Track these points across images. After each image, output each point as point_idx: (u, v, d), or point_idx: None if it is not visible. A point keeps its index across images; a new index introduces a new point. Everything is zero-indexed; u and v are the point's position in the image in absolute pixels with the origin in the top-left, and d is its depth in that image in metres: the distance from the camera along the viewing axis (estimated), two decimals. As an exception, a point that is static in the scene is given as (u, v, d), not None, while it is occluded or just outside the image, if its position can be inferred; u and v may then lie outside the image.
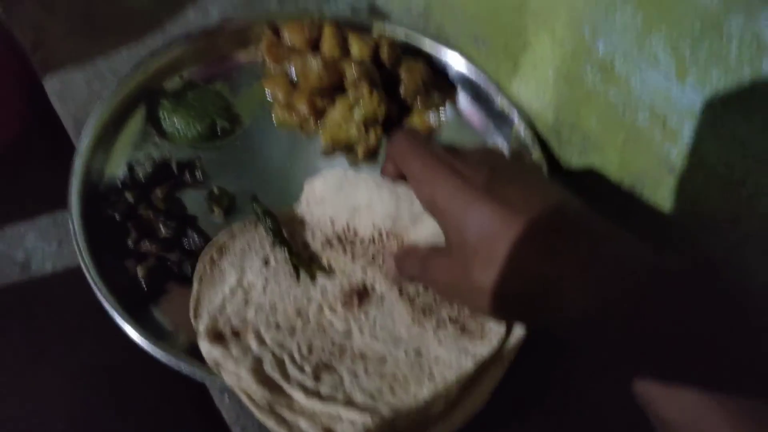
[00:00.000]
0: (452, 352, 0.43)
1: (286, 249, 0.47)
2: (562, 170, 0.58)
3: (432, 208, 0.40)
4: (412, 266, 0.43)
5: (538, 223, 0.35)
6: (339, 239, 0.49)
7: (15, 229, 0.84)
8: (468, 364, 0.42)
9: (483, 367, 0.43)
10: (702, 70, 0.42)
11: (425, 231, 0.48)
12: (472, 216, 0.36)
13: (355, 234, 0.49)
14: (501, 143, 0.60)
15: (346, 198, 0.50)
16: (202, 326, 0.43)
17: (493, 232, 0.36)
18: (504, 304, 0.37)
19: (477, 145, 0.43)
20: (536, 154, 0.57)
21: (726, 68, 0.41)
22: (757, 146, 0.41)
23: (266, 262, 0.47)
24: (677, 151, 0.47)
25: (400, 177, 0.45)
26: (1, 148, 0.82)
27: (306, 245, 0.49)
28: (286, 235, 0.48)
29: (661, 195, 0.49)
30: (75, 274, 0.82)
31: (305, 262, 0.47)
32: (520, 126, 0.58)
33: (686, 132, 0.45)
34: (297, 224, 0.50)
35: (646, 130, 0.48)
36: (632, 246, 0.37)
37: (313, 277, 0.47)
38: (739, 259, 0.45)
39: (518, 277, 0.36)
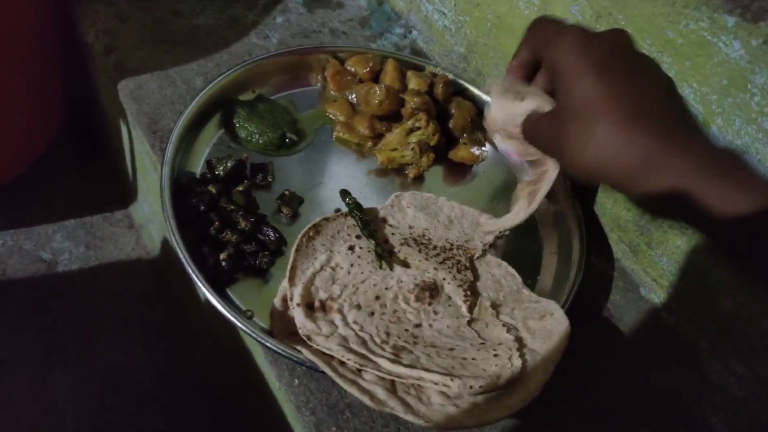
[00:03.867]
0: (511, 340, 0.49)
1: (371, 239, 0.52)
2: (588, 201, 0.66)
3: (552, 68, 0.45)
4: (529, 126, 0.48)
5: (635, 104, 0.41)
6: (415, 241, 0.55)
7: (43, 228, 0.85)
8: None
9: (534, 360, 0.49)
10: (726, 119, 0.51)
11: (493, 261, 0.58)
12: (583, 85, 0.42)
13: (429, 241, 0.56)
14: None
15: (428, 215, 0.59)
16: (297, 293, 0.48)
17: (594, 110, 0.41)
18: (596, 166, 0.42)
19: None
20: (569, 188, 0.64)
21: (748, 118, 0.50)
22: (771, 184, 0.50)
23: (351, 249, 0.53)
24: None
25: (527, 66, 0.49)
26: (38, 151, 0.85)
27: (386, 240, 0.55)
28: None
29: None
30: (98, 278, 0.85)
31: (386, 253, 0.53)
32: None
33: (708, 170, 0.54)
34: (379, 222, 0.56)
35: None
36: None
37: (391, 268, 0.52)
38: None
39: (608, 149, 0.41)
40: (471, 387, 0.44)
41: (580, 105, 0.42)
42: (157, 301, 0.83)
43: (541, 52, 0.47)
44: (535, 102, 0.48)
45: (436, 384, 0.44)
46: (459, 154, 0.67)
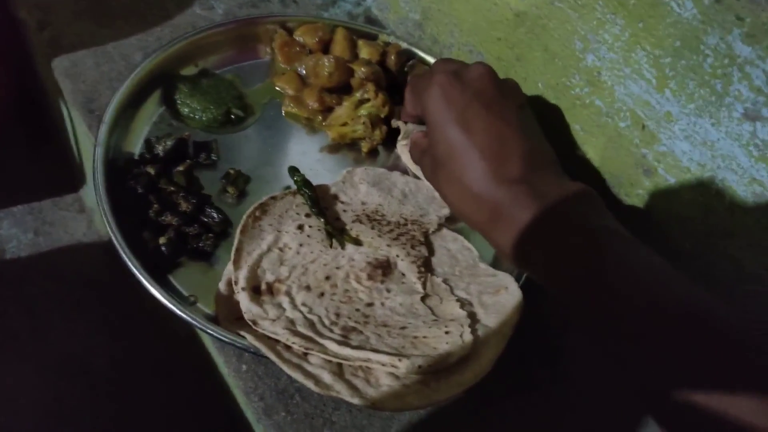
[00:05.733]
0: (463, 316, 0.47)
1: (321, 217, 0.50)
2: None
3: (425, 118, 0.48)
4: (414, 155, 0.54)
5: (488, 156, 0.43)
6: (368, 217, 0.53)
7: (-11, 215, 0.82)
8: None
9: (487, 336, 0.48)
10: (679, 82, 0.50)
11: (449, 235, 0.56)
12: (446, 136, 0.45)
13: (383, 217, 0.54)
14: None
15: (381, 190, 0.57)
16: (242, 276, 0.46)
17: (455, 161, 0.44)
18: (460, 213, 0.46)
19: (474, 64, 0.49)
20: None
21: (701, 80, 0.48)
22: (724, 148, 0.48)
23: (301, 228, 0.51)
24: (653, 154, 0.54)
25: (417, 116, 0.53)
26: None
27: (337, 218, 0.53)
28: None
29: (636, 193, 0.56)
30: (49, 264, 0.82)
31: (337, 231, 0.51)
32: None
33: (663, 136, 0.53)
34: (330, 199, 0.54)
35: (626, 134, 0.55)
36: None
37: (343, 246, 0.50)
38: (708, 250, 0.52)
39: (466, 199, 0.44)
40: (420, 366, 0.43)
41: (445, 154, 0.45)
42: (110, 285, 0.80)
43: (417, 104, 0.50)
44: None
45: (384, 365, 0.43)
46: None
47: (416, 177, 0.59)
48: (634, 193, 0.57)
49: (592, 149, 0.59)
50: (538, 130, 0.49)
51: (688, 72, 0.49)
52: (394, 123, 0.61)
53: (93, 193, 0.84)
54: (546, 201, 0.42)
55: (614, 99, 0.55)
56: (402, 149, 0.59)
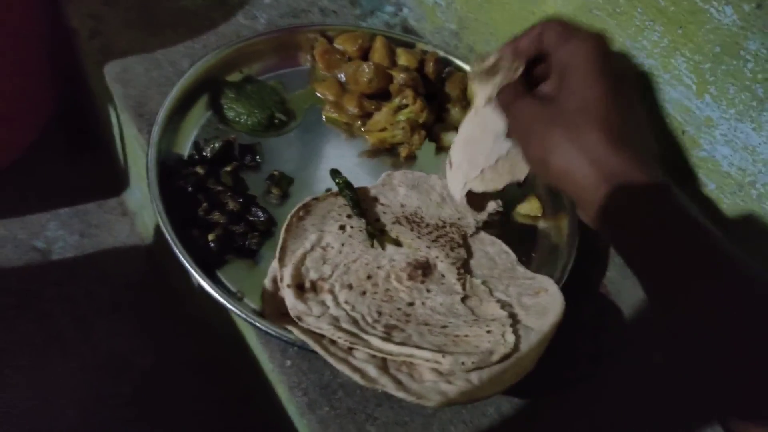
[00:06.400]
0: (504, 316, 0.48)
1: (362, 218, 0.52)
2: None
3: (563, 67, 0.46)
4: (506, 98, 0.49)
5: (621, 126, 0.43)
6: (407, 219, 0.55)
7: (37, 217, 0.85)
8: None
9: (528, 336, 0.48)
10: (720, 87, 0.50)
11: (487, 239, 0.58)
12: (592, 93, 0.44)
13: (421, 219, 0.56)
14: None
15: (420, 193, 0.58)
16: (287, 273, 0.47)
17: (591, 118, 0.43)
18: (560, 171, 0.44)
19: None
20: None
21: (742, 85, 0.49)
22: (766, 152, 0.49)
23: (342, 228, 0.52)
24: (693, 160, 0.54)
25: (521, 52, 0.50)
26: (29, 139, 0.84)
27: (377, 219, 0.54)
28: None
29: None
30: (93, 266, 0.84)
31: (377, 232, 0.52)
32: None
33: (703, 141, 0.53)
34: (370, 201, 0.56)
35: (666, 140, 0.56)
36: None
37: (383, 247, 0.52)
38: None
39: (580, 158, 0.43)
40: (463, 363, 0.44)
41: (580, 109, 0.44)
42: (152, 287, 0.82)
43: (552, 49, 0.47)
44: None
45: (427, 361, 0.44)
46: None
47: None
48: (673, 198, 0.57)
49: (629, 155, 0.60)
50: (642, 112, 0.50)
51: (729, 77, 0.49)
52: (478, 65, 0.51)
53: (136, 196, 0.87)
54: (654, 178, 0.42)
55: (654, 105, 0.55)
56: (479, 87, 0.52)
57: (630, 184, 0.41)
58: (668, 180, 0.42)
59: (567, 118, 0.44)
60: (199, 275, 0.48)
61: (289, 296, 0.48)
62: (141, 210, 0.87)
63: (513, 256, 0.57)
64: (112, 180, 0.90)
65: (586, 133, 0.42)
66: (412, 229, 0.55)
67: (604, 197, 0.42)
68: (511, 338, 0.46)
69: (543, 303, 0.50)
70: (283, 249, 0.51)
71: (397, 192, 0.59)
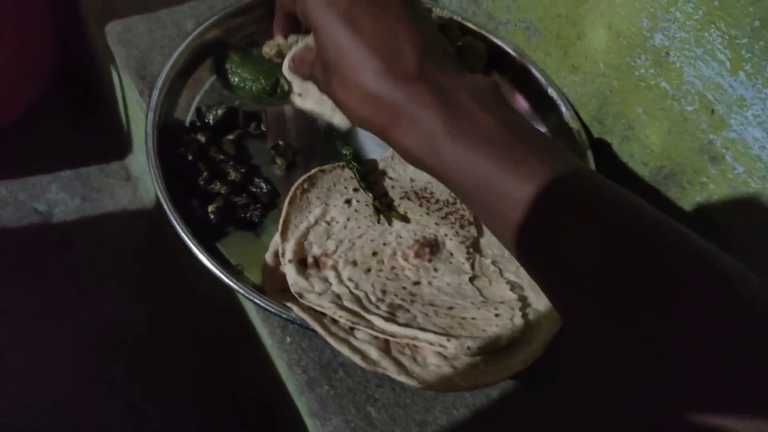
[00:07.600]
0: (514, 299, 0.46)
1: (369, 192, 0.49)
2: (600, 156, 0.62)
3: (306, 23, 0.41)
4: (303, 70, 0.45)
5: (381, 53, 0.37)
6: (417, 195, 0.52)
7: (38, 179, 0.83)
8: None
9: (538, 320, 0.46)
10: (756, 65, 0.47)
11: None
12: (333, 38, 0.38)
13: (431, 195, 0.53)
14: (545, 131, 0.64)
15: None
16: (289, 248, 0.46)
17: (347, 62, 0.38)
18: (359, 120, 0.39)
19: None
20: (583, 142, 0.60)
21: (781, 63, 0.45)
22: (802, 136, 0.46)
23: (348, 202, 0.50)
24: (722, 141, 0.51)
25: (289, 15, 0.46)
26: (32, 98, 0.82)
27: (385, 194, 0.52)
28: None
29: (700, 181, 0.54)
30: (94, 231, 0.83)
31: (385, 207, 0.50)
32: (568, 114, 0.62)
33: (734, 122, 0.50)
34: (378, 174, 0.53)
35: (692, 119, 0.53)
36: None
37: (390, 222, 0.49)
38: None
39: (362, 103, 0.38)
40: (468, 347, 0.42)
41: (334, 58, 0.39)
42: (152, 254, 0.81)
43: (291, 8, 0.43)
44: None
45: (431, 344, 0.42)
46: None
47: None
48: (698, 181, 0.54)
49: (654, 133, 0.57)
50: (431, 23, 0.43)
51: (766, 54, 0.46)
52: (270, 46, 0.49)
53: (139, 161, 0.85)
54: (448, 97, 0.37)
55: (682, 81, 0.52)
56: (288, 72, 0.48)
57: (421, 108, 0.36)
58: (476, 79, 0.37)
59: (334, 71, 0.39)
60: (197, 247, 0.46)
61: (290, 272, 0.46)
62: (143, 175, 0.85)
63: (525, 236, 0.54)
64: (116, 144, 0.88)
65: (352, 76, 0.38)
66: (421, 205, 0.52)
67: (401, 133, 0.37)
68: (519, 322, 0.44)
69: (555, 287, 0.48)
70: (286, 222, 0.49)
71: (406, 165, 0.56)
